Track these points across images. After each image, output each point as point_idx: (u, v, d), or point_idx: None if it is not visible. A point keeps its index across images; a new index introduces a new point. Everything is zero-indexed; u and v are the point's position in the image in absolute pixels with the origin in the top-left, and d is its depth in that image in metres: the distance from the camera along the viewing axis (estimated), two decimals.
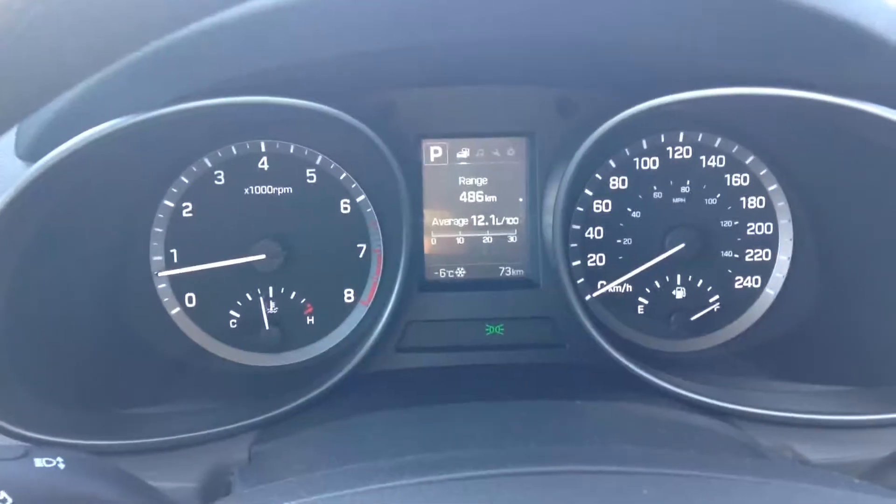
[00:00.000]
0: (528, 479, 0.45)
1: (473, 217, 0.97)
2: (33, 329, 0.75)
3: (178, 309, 0.94)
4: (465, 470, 0.45)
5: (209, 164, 0.93)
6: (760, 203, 0.96)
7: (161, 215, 0.93)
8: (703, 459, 0.53)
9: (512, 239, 0.97)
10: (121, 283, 0.91)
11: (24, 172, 0.68)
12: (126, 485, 0.50)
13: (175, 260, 0.93)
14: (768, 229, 0.96)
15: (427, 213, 0.96)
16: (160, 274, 0.93)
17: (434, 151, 0.96)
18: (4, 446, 0.49)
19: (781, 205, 0.95)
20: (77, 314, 0.83)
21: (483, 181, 0.96)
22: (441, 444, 0.62)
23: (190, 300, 0.95)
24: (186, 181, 0.93)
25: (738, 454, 0.68)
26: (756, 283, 0.97)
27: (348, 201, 0.95)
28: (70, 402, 0.75)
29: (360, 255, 0.96)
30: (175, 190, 0.92)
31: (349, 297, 0.97)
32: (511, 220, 0.97)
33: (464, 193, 0.96)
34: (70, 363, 0.80)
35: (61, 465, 0.48)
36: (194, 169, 0.93)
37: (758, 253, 0.97)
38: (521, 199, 0.97)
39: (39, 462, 0.47)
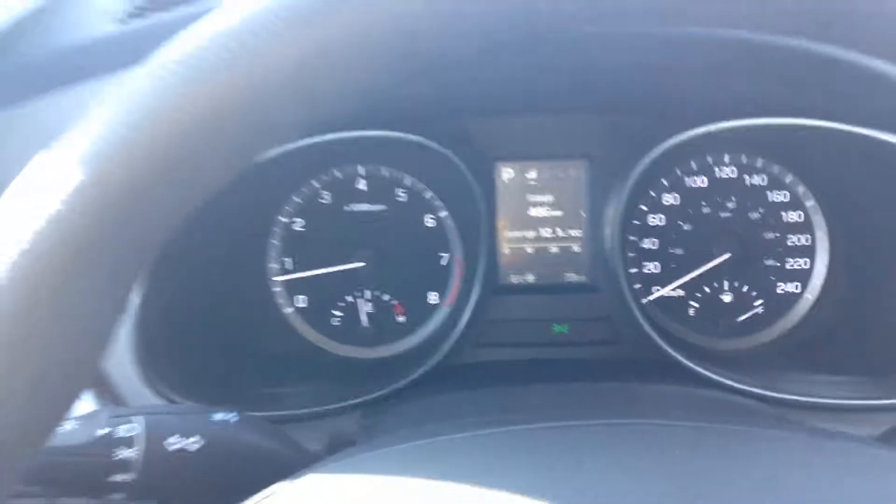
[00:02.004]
0: (606, 429, 0.57)
1: (541, 229, 1.10)
2: (182, 322, 0.92)
3: (290, 309, 1.10)
4: (558, 420, 0.58)
5: (316, 185, 1.09)
6: (799, 217, 1.07)
7: (276, 229, 1.09)
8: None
9: (575, 248, 1.10)
10: (243, 287, 1.07)
11: None
12: (279, 438, 0.66)
13: (288, 267, 1.10)
14: (807, 240, 1.07)
15: (501, 225, 1.09)
16: (276, 279, 1.10)
17: (506, 172, 1.09)
18: (191, 405, 0.65)
19: (818, 218, 1.06)
20: (210, 311, 1.00)
21: (549, 198, 1.09)
22: (526, 409, 0.76)
23: (300, 302, 1.11)
24: (298, 200, 1.09)
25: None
26: (796, 288, 1.08)
27: (433, 216, 1.10)
28: (214, 385, 0.92)
29: (443, 263, 1.10)
30: (288, 208, 1.09)
31: (434, 300, 1.11)
32: (574, 233, 1.10)
33: (532, 209, 1.09)
34: (208, 355, 0.96)
35: (233, 420, 0.64)
36: (304, 190, 1.09)
37: (797, 262, 1.07)
38: (583, 214, 1.09)
39: (218, 416, 0.63)
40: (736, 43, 0.71)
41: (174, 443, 0.60)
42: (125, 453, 0.58)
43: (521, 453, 0.53)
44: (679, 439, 0.55)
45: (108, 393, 0.80)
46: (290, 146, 0.89)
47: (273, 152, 0.89)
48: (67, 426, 0.59)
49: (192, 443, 0.61)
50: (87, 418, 0.60)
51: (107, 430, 0.59)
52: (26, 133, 0.87)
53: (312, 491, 0.51)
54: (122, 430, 0.59)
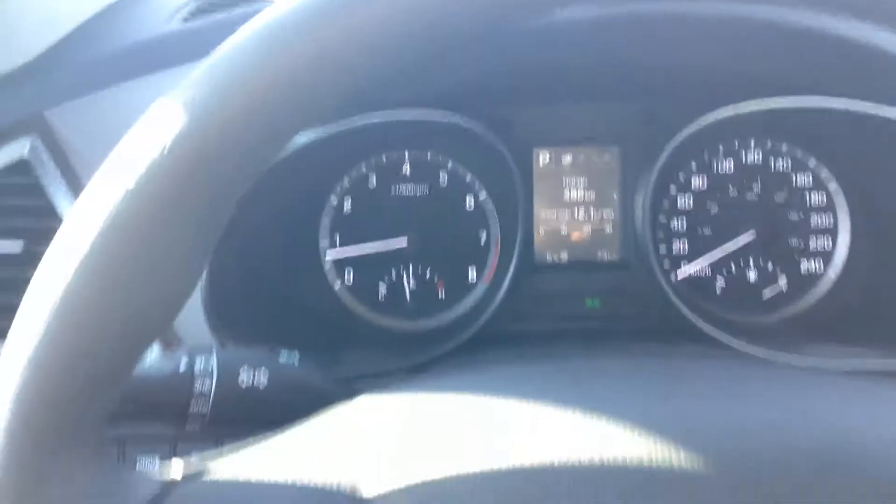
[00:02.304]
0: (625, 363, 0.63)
1: (575, 210, 1.16)
2: (246, 288, 1.01)
3: (339, 284, 1.19)
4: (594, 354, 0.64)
5: (364, 169, 1.17)
6: (822, 199, 1.12)
7: (327, 209, 1.17)
8: None
9: (608, 229, 1.16)
10: (298, 262, 1.16)
11: None
12: (337, 380, 0.74)
13: (337, 244, 1.18)
14: (829, 222, 1.12)
15: (537, 207, 1.16)
16: (326, 256, 1.18)
17: (543, 157, 1.16)
18: (258, 349, 0.73)
19: (840, 200, 1.11)
20: (271, 282, 1.08)
21: (583, 181, 1.16)
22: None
23: (348, 277, 1.19)
24: (347, 183, 1.17)
25: None
26: (819, 267, 1.13)
27: (473, 198, 1.17)
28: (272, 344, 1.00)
29: (482, 242, 1.18)
30: (339, 189, 1.17)
31: (473, 277, 1.18)
32: (607, 214, 1.16)
33: (567, 192, 1.16)
34: (269, 320, 1.05)
35: (296, 361, 0.72)
36: (353, 173, 1.17)
37: (820, 241, 1.13)
38: (615, 196, 1.15)
39: (283, 357, 0.71)
40: (756, 22, 0.78)
41: (245, 379, 0.68)
42: (203, 387, 0.67)
43: (556, 383, 0.59)
44: (703, 374, 0.61)
45: (176, 344, 0.89)
46: (343, 129, 0.97)
47: (327, 135, 0.97)
48: (152, 362, 0.67)
49: (261, 380, 0.69)
50: (168, 356, 0.68)
51: (187, 366, 0.67)
52: (104, 117, 0.97)
53: (366, 408, 0.58)
54: (200, 366, 0.67)
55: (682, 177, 1.14)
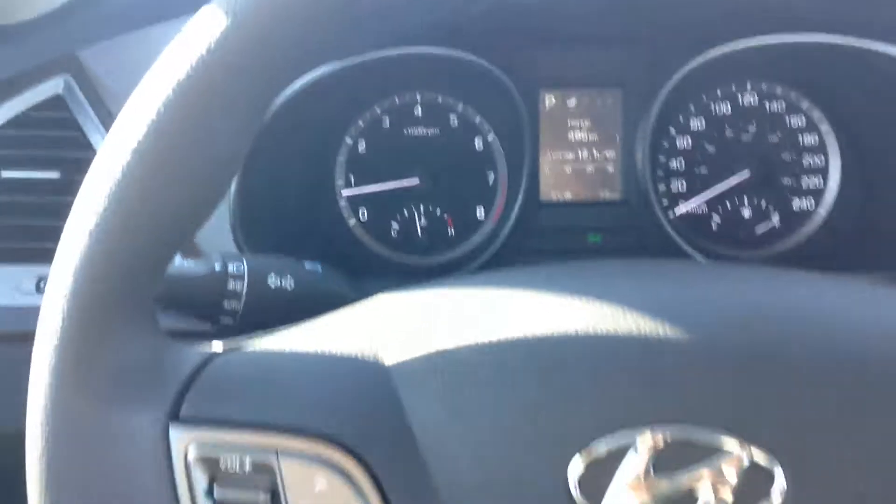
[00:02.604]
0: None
1: (578, 151, 1.21)
2: (270, 216, 1.07)
3: (354, 221, 1.25)
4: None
5: (378, 111, 1.22)
6: (814, 140, 1.18)
7: (343, 149, 1.23)
8: None
9: (610, 169, 1.22)
10: (317, 199, 1.22)
11: None
12: (357, 288, 0.81)
13: (352, 183, 1.24)
14: (821, 161, 1.18)
15: (543, 148, 1.21)
16: (342, 194, 1.24)
17: (549, 100, 1.21)
18: (287, 258, 0.80)
19: (831, 141, 1.17)
20: (294, 215, 1.15)
21: (587, 123, 1.21)
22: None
23: (363, 214, 1.25)
24: (361, 124, 1.23)
25: None
26: (810, 205, 1.19)
27: (481, 139, 1.23)
28: None
29: (490, 182, 1.23)
30: (353, 130, 1.23)
31: (480, 215, 1.24)
32: (609, 154, 1.21)
33: (571, 133, 1.21)
34: (291, 247, 1.11)
35: (320, 269, 0.78)
36: (367, 115, 1.23)
37: (812, 180, 1.18)
38: (617, 137, 1.21)
39: (308, 266, 0.78)
40: None
41: (274, 281, 0.75)
42: (236, 285, 0.73)
43: (557, 276, 0.66)
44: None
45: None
46: (356, 63, 1.03)
47: (341, 68, 1.03)
48: (188, 264, 0.74)
49: (289, 283, 0.75)
50: (204, 259, 0.75)
51: (221, 267, 0.74)
52: (134, 57, 1.02)
53: (386, 298, 0.64)
54: (232, 267, 0.74)
55: (681, 118, 1.19)
